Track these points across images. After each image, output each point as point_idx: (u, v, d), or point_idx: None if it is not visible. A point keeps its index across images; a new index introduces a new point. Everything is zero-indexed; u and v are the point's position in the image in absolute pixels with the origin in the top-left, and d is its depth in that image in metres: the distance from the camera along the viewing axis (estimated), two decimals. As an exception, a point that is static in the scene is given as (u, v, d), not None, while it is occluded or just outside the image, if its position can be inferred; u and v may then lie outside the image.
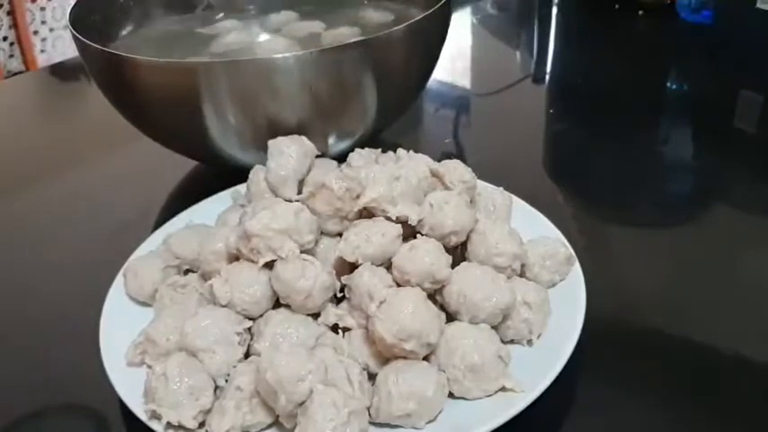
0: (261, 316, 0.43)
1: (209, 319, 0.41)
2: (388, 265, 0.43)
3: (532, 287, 0.44)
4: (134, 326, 0.44)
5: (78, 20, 0.58)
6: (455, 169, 0.48)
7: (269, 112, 0.53)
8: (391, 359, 0.40)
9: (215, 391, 0.39)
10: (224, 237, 0.44)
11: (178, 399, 0.37)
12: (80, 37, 0.55)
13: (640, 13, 1.00)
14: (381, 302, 0.39)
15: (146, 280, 0.46)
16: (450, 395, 0.39)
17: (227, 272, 0.43)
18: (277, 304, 0.43)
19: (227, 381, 0.40)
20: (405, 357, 0.39)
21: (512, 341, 0.43)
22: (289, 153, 0.49)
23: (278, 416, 0.38)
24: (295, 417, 0.36)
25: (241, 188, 0.54)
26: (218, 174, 0.59)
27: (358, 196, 0.44)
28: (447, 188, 0.48)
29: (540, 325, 0.42)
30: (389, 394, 0.37)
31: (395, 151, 0.53)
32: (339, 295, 0.44)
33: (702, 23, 0.92)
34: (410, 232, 0.44)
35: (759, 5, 0.80)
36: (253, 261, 0.42)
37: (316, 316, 0.43)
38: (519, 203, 0.52)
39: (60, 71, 1.02)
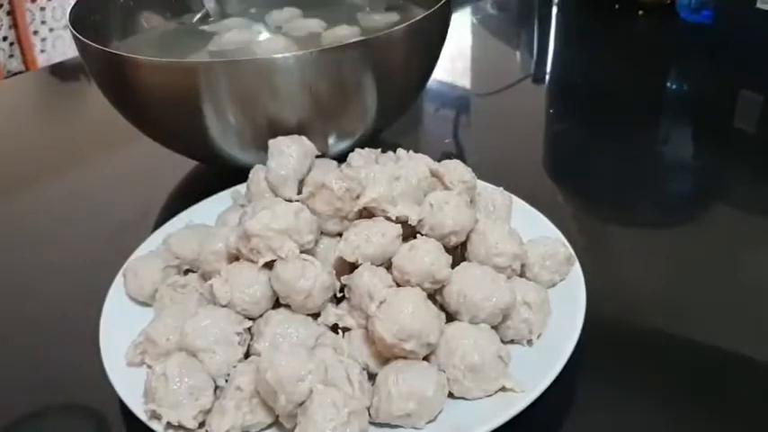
0: (261, 316, 0.43)
1: (209, 319, 0.41)
2: (388, 265, 0.43)
3: (532, 287, 0.44)
4: (134, 326, 0.44)
5: (78, 20, 0.58)
6: (455, 169, 0.48)
7: (269, 112, 0.53)
8: (391, 359, 0.40)
9: (215, 391, 0.39)
10: (224, 237, 0.44)
11: (178, 399, 0.37)
12: (80, 37, 0.55)
13: (640, 13, 1.00)
14: (381, 302, 0.39)
15: (146, 280, 0.46)
16: (451, 395, 0.39)
17: (227, 272, 0.43)
18: (277, 304, 0.43)
19: (227, 381, 0.40)
20: (405, 357, 0.39)
21: (512, 341, 0.43)
22: (289, 153, 0.49)
23: (278, 416, 0.38)
24: (295, 417, 0.36)
25: (241, 188, 0.54)
26: (218, 174, 0.59)
27: (358, 196, 0.44)
28: (447, 188, 0.48)
29: (540, 325, 0.42)
30: (389, 394, 0.37)
31: (395, 151, 0.53)
32: (339, 295, 0.44)
33: (702, 23, 0.92)
34: (410, 232, 0.44)
35: (759, 5, 0.80)
36: (253, 261, 0.42)
37: (316, 316, 0.43)
38: (519, 203, 0.52)
39: (60, 71, 1.02)
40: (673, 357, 0.45)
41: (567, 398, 0.42)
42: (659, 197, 0.63)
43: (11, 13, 1.84)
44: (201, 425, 0.38)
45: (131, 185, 0.68)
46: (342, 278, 0.43)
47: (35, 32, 1.92)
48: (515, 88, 0.86)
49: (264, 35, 0.72)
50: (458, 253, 0.46)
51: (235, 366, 0.40)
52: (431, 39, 0.61)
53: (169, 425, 0.37)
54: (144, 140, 0.60)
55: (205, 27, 0.73)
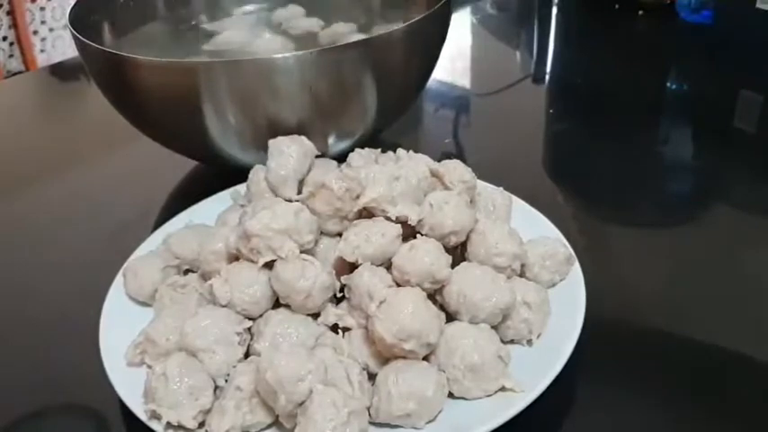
0: (261, 316, 0.43)
1: (208, 319, 0.41)
2: (388, 265, 0.43)
3: (532, 287, 0.44)
4: (134, 326, 0.44)
5: (78, 20, 0.58)
6: (455, 169, 0.48)
7: (269, 112, 0.53)
8: (391, 359, 0.40)
9: (215, 391, 0.39)
10: (224, 237, 0.44)
11: (178, 399, 0.37)
12: (80, 37, 0.55)
13: (640, 13, 1.00)
14: (381, 302, 0.39)
15: (146, 280, 0.46)
16: (450, 395, 0.39)
17: (226, 272, 0.43)
18: (277, 304, 0.43)
19: (226, 381, 0.40)
20: (404, 357, 0.39)
21: (512, 341, 0.43)
22: (289, 153, 0.49)
23: (278, 416, 0.38)
24: (295, 417, 0.36)
25: (241, 188, 0.54)
26: (218, 174, 0.59)
27: (358, 196, 0.44)
28: (447, 188, 0.48)
29: (540, 325, 0.42)
30: (389, 394, 0.37)
31: (395, 151, 0.53)
32: (339, 295, 0.44)
33: (702, 23, 0.92)
34: (410, 232, 0.44)
35: (759, 5, 0.80)
36: (253, 261, 0.42)
37: (316, 316, 0.43)
38: (519, 203, 0.52)
39: (60, 71, 1.02)
40: (673, 357, 0.45)
41: (567, 398, 0.42)
42: (659, 197, 0.63)
43: (11, 12, 1.84)
44: (201, 425, 0.38)
45: (131, 185, 0.68)
46: (342, 278, 0.43)
47: (35, 32, 1.92)
48: (515, 88, 0.86)
49: (263, 34, 0.72)
50: (458, 253, 0.46)
51: (235, 366, 0.40)
52: (431, 39, 0.61)
53: (169, 425, 0.37)
54: (144, 140, 0.60)
55: (205, 26, 0.73)
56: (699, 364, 0.45)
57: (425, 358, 0.40)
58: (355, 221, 0.44)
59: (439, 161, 0.50)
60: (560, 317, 0.43)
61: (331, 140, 0.57)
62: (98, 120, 0.78)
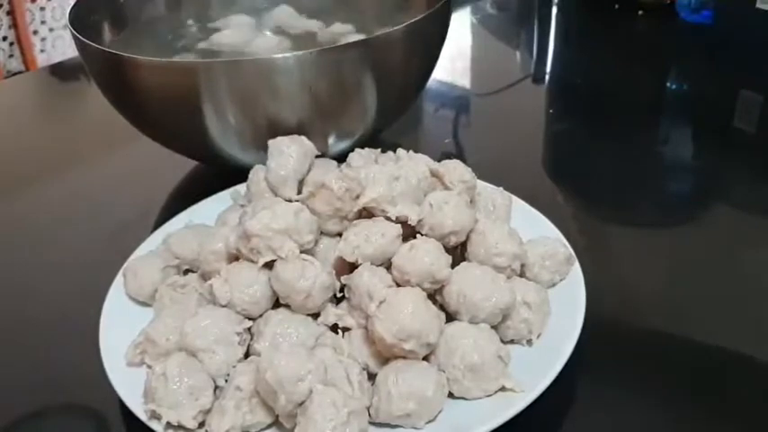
0: (261, 316, 0.43)
1: (208, 319, 0.41)
2: (388, 265, 0.43)
3: (532, 287, 0.44)
4: (134, 326, 0.44)
5: (78, 19, 0.58)
6: (455, 169, 0.48)
7: (269, 112, 0.53)
8: (391, 359, 0.40)
9: (215, 391, 0.39)
10: (224, 237, 0.44)
11: (178, 399, 0.37)
12: (80, 37, 0.55)
13: (640, 13, 1.00)
14: (381, 302, 0.39)
15: (145, 280, 0.46)
16: (450, 395, 0.39)
17: (226, 272, 0.43)
18: (277, 304, 0.43)
19: (226, 381, 0.39)
20: (404, 357, 0.39)
21: (512, 341, 0.43)
22: (289, 153, 0.49)
23: (278, 416, 0.38)
24: (295, 417, 0.36)
25: (241, 188, 0.54)
26: (218, 174, 0.59)
27: (358, 196, 0.44)
28: (447, 188, 0.48)
29: (540, 325, 0.42)
30: (389, 394, 0.37)
31: (395, 151, 0.53)
32: (339, 295, 0.44)
33: (702, 23, 0.92)
34: (410, 232, 0.44)
35: (759, 5, 0.80)
36: (253, 261, 0.42)
37: (315, 316, 0.43)
38: (519, 203, 0.52)
39: (60, 71, 1.02)
40: (673, 357, 0.45)
41: (567, 398, 0.42)
42: (659, 197, 0.63)
43: (11, 12, 1.84)
44: (201, 425, 0.38)
45: (131, 185, 0.68)
46: (342, 278, 0.43)
47: (35, 32, 1.92)
48: (515, 88, 0.86)
49: (260, 34, 0.72)
50: (458, 253, 0.46)
51: (234, 366, 0.40)
52: (431, 39, 0.61)
53: (169, 425, 0.37)
54: (144, 140, 0.60)
55: (206, 26, 0.73)
56: (699, 364, 0.45)
57: (425, 358, 0.40)
58: (355, 221, 0.44)
59: (439, 161, 0.50)
60: (560, 317, 0.43)
61: (331, 140, 0.57)
62: (98, 120, 0.78)
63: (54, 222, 0.63)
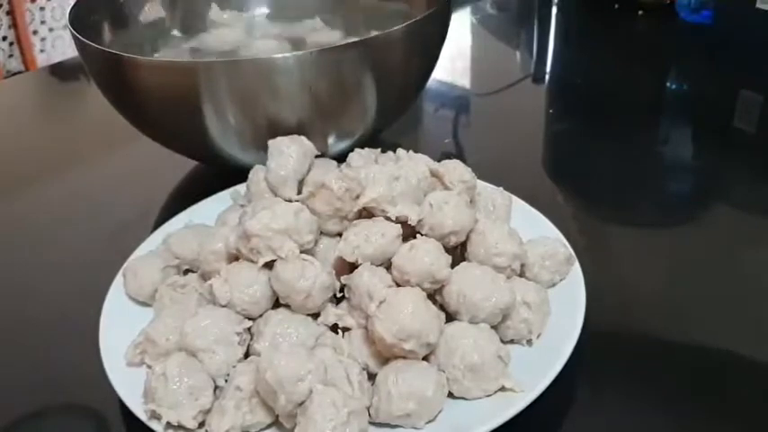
0: (260, 316, 0.43)
1: (208, 319, 0.41)
2: (388, 265, 0.43)
3: (532, 287, 0.44)
4: (134, 326, 0.43)
5: (78, 20, 0.58)
6: (455, 169, 0.48)
7: (269, 112, 0.53)
8: (391, 359, 0.40)
9: (215, 391, 0.39)
10: (224, 237, 0.44)
11: (178, 399, 0.37)
12: (80, 37, 0.55)
13: (640, 13, 1.00)
14: (381, 302, 0.39)
15: (145, 280, 0.46)
16: (450, 395, 0.39)
17: (226, 272, 0.43)
18: (277, 304, 0.43)
19: (226, 381, 0.39)
20: (404, 357, 0.39)
21: (511, 341, 0.43)
22: (289, 153, 0.49)
23: (278, 416, 0.38)
24: (295, 417, 0.36)
25: (241, 188, 0.54)
26: (218, 174, 0.59)
27: (358, 196, 0.44)
28: (447, 188, 0.48)
29: (540, 325, 0.42)
30: (389, 394, 0.37)
31: (395, 151, 0.53)
32: (339, 295, 0.44)
33: (702, 23, 0.92)
34: (410, 232, 0.44)
35: (759, 5, 0.80)
36: (252, 261, 0.42)
37: (315, 316, 0.43)
38: (519, 203, 0.52)
39: (60, 71, 1.02)
40: (673, 357, 0.45)
41: (567, 398, 0.42)
42: (659, 197, 0.63)
43: (10, 12, 1.84)
44: (201, 425, 0.38)
45: (131, 185, 0.68)
46: (342, 278, 0.43)
47: (35, 32, 1.92)
48: (515, 88, 0.86)
49: (255, 37, 0.72)
50: (458, 253, 0.46)
51: (234, 366, 0.40)
52: (430, 39, 0.61)
53: (169, 425, 0.37)
54: (144, 140, 0.60)
55: (205, 25, 0.73)
56: (699, 364, 0.45)
57: (425, 358, 0.40)
58: (355, 221, 0.44)
59: (439, 161, 0.50)
60: (560, 317, 0.43)
61: (331, 140, 0.57)
62: (98, 120, 0.78)
63: (54, 222, 0.63)
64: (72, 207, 0.66)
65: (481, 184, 0.51)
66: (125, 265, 0.48)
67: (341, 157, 0.55)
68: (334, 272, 0.43)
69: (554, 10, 1.09)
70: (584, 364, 0.42)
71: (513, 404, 0.38)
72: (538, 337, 0.42)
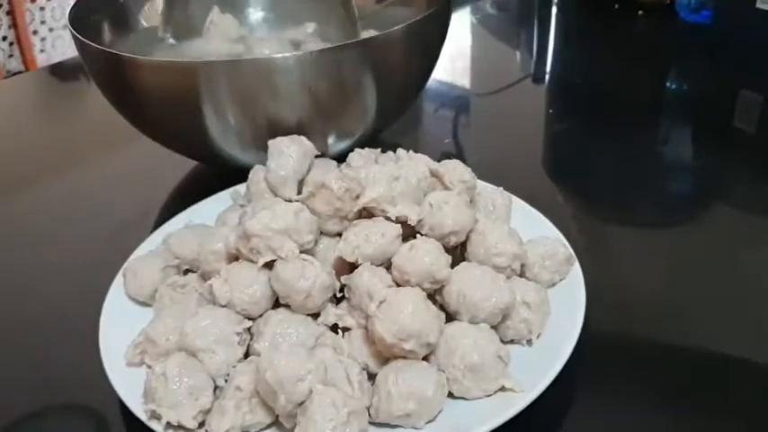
0: (260, 316, 0.43)
1: (208, 319, 0.41)
2: (388, 265, 0.43)
3: (532, 287, 0.44)
4: (134, 326, 0.43)
5: (78, 20, 0.58)
6: (455, 169, 0.48)
7: (269, 112, 0.53)
8: (391, 359, 0.40)
9: (215, 391, 0.39)
10: (224, 237, 0.44)
11: (178, 399, 0.37)
12: (80, 37, 0.55)
13: (640, 13, 1.00)
14: (381, 302, 0.39)
15: (145, 280, 0.46)
16: (450, 395, 0.39)
17: (226, 272, 0.43)
18: (277, 304, 0.43)
19: (226, 381, 0.39)
20: (404, 357, 0.39)
21: (511, 341, 0.43)
22: (289, 153, 0.49)
23: (278, 416, 0.38)
24: (295, 417, 0.36)
25: (241, 188, 0.54)
26: (218, 174, 0.59)
27: (358, 196, 0.44)
28: (447, 188, 0.48)
29: (540, 325, 0.42)
30: (389, 394, 0.37)
31: (395, 151, 0.53)
32: (339, 295, 0.44)
33: (702, 23, 0.92)
34: (410, 232, 0.44)
35: (759, 5, 0.80)
36: (252, 261, 0.42)
37: (315, 316, 0.43)
38: (519, 203, 0.52)
39: (60, 71, 1.02)
40: (673, 357, 0.45)
41: (567, 398, 0.42)
42: (659, 197, 0.63)
43: (10, 12, 1.84)
44: (201, 425, 0.38)
45: (131, 185, 0.68)
46: (342, 278, 0.43)
47: (35, 32, 1.92)
48: (515, 88, 0.86)
49: (252, 41, 0.72)
50: (457, 253, 0.46)
51: (234, 366, 0.40)
52: (430, 39, 0.61)
53: (169, 425, 0.37)
54: (144, 140, 0.60)
55: (204, 26, 0.73)
56: (699, 363, 0.45)
57: (425, 358, 0.40)
58: (355, 221, 0.44)
59: (439, 161, 0.50)
60: (560, 317, 0.43)
61: (331, 140, 0.57)
62: (98, 120, 0.78)
63: (54, 222, 0.63)
64: (72, 207, 0.66)
65: (481, 184, 0.51)
66: (125, 265, 0.48)
67: (341, 157, 0.55)
68: (334, 272, 0.43)
69: (554, 10, 1.09)
70: (584, 364, 0.42)
71: (513, 404, 0.38)
72: (538, 337, 0.42)
